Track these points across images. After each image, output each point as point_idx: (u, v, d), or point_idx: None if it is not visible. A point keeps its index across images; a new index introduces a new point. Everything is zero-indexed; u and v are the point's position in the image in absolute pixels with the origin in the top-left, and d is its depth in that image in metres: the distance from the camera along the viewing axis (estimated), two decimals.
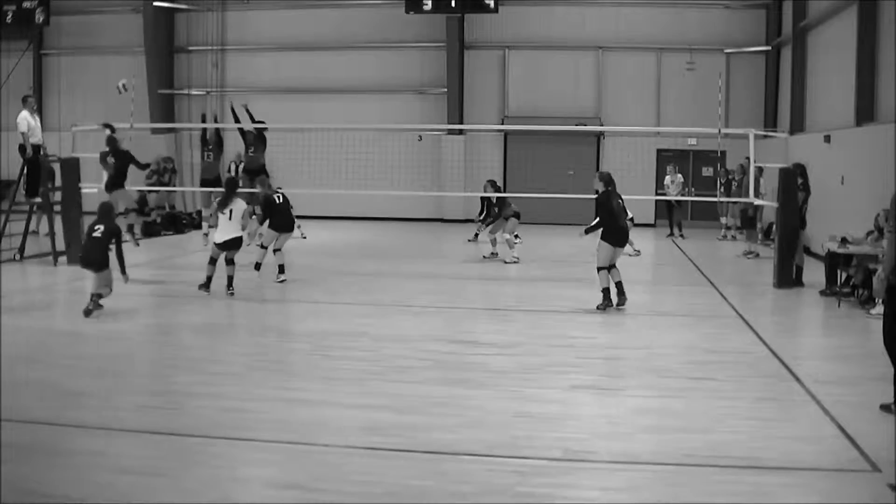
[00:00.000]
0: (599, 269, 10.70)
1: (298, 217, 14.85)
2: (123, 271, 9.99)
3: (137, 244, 14.32)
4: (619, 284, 10.71)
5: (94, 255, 9.80)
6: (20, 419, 5.97)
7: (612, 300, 10.64)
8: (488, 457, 5.42)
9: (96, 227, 9.90)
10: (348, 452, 5.53)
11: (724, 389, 7.11)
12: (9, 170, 20.06)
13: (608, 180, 10.87)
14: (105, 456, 5.39)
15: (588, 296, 11.83)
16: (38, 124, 14.79)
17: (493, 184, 15.71)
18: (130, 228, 14.33)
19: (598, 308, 10.60)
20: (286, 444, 5.69)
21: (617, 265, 10.79)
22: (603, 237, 10.69)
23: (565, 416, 6.35)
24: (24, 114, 14.47)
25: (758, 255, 16.33)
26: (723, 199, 18.14)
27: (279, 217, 12.70)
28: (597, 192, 10.95)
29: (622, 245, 10.89)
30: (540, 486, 5.02)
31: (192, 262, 15.10)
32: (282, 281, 12.38)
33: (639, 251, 16.26)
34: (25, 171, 14.65)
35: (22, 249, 14.33)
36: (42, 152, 14.85)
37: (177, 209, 21.53)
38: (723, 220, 20.10)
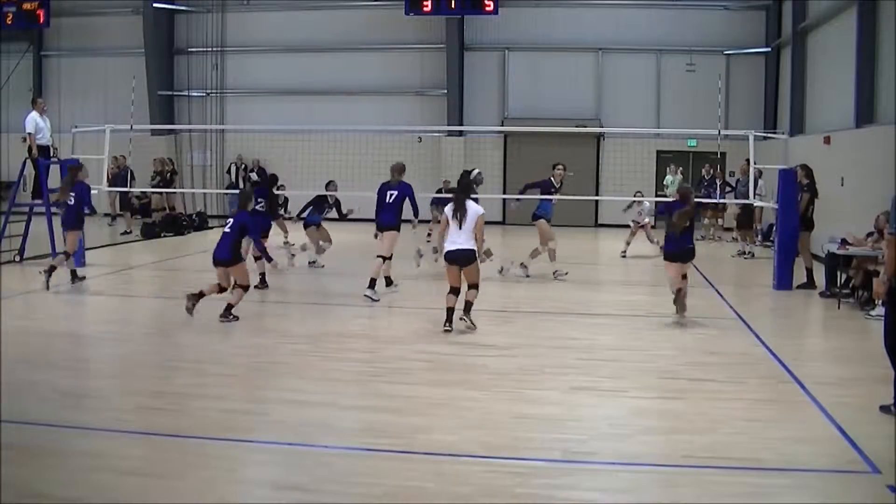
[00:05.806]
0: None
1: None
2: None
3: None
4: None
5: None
6: (20, 420, 5.96)
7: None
8: (488, 458, 5.42)
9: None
10: (348, 454, 5.53)
11: (723, 391, 7.11)
12: (9, 171, 20.13)
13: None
14: (105, 457, 5.38)
15: (588, 297, 11.84)
16: (48, 126, 14.81)
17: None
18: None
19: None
20: (286, 445, 5.69)
21: None
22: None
23: (565, 417, 6.35)
24: (34, 114, 14.51)
25: (753, 255, 16.54)
26: (721, 201, 18.15)
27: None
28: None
29: None
30: (540, 487, 5.02)
31: (192, 264, 15.12)
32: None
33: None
34: (31, 172, 14.66)
35: (22, 251, 14.32)
36: (52, 154, 14.90)
37: (177, 211, 21.53)
38: (704, 221, 20.21)
